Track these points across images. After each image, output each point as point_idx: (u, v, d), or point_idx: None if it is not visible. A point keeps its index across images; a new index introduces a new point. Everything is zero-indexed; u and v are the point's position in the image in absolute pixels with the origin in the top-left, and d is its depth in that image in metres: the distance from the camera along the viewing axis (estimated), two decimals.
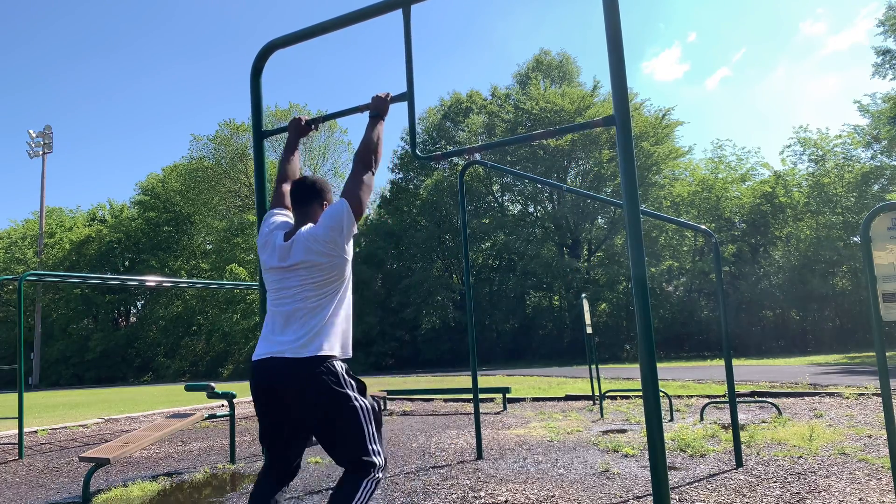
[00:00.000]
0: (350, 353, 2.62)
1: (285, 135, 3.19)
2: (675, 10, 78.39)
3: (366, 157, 2.71)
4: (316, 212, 2.68)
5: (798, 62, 72.27)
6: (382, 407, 10.17)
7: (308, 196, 2.70)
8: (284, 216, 2.82)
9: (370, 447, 2.41)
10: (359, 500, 2.32)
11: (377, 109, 2.86)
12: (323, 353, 2.43)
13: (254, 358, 2.53)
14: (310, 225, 2.60)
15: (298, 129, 3.12)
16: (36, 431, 9.77)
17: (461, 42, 78.50)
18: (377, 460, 2.41)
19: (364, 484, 2.35)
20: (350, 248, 2.58)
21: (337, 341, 2.52)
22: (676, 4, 78.29)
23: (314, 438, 2.57)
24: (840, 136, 29.78)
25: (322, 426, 2.43)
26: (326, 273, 2.50)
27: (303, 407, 2.42)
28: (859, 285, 26.23)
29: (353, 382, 2.49)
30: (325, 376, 2.39)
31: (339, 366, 2.48)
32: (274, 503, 2.51)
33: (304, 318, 2.46)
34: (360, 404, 2.43)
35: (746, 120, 74.43)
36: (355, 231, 2.56)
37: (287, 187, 2.92)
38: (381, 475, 2.41)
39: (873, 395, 9.24)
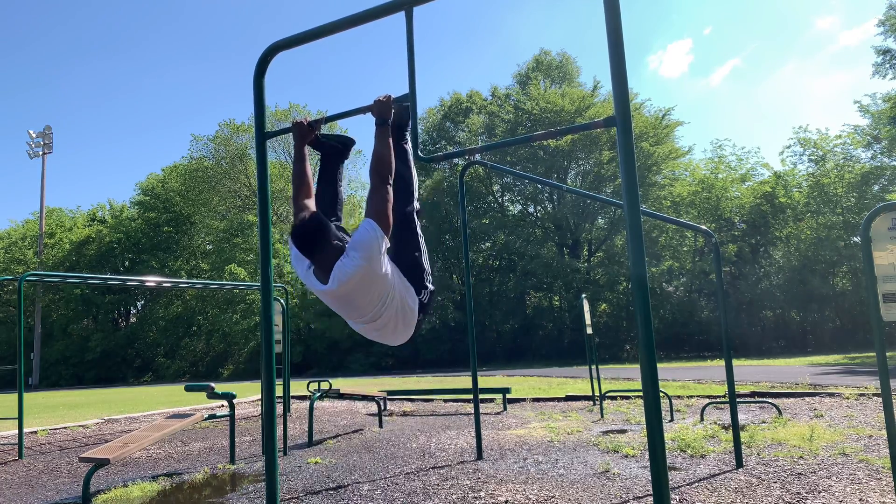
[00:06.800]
0: (426, 285, 2.89)
1: (285, 135, 3.14)
2: (692, 1, 77.15)
3: (381, 169, 2.69)
4: (329, 253, 2.62)
5: (808, 58, 71.27)
6: (383, 407, 10.17)
7: (314, 248, 2.63)
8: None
9: None
10: None
11: (382, 115, 2.78)
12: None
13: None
14: (342, 260, 2.59)
15: (303, 135, 2.98)
16: (36, 432, 9.77)
17: (461, 42, 78.50)
18: None
19: None
20: (385, 259, 2.61)
21: (412, 319, 2.85)
22: None
23: None
24: (840, 136, 29.79)
25: None
26: (378, 291, 2.63)
27: None
28: (859, 285, 26.20)
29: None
30: None
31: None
32: None
33: (390, 327, 2.80)
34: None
35: (751, 118, 73.91)
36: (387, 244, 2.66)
37: (309, 203, 2.88)
38: None
39: (873, 395, 9.24)
